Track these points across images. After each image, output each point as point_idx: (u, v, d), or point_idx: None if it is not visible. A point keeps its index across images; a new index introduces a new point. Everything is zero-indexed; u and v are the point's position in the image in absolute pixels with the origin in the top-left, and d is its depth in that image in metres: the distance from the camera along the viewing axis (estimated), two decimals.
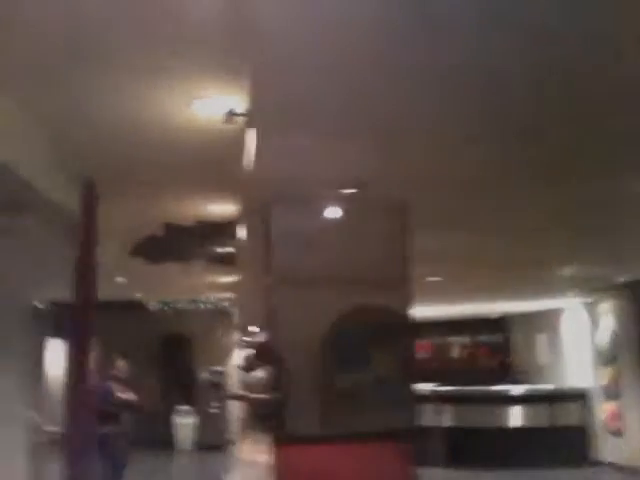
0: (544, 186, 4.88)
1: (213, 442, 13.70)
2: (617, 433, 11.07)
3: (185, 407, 14.77)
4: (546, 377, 13.55)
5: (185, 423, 14.66)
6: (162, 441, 13.78)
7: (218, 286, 11.20)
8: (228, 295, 12.62)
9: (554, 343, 13.53)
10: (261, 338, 6.88)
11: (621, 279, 10.06)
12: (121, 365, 8.52)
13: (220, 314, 14.88)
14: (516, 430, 12.04)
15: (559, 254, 8.12)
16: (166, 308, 14.46)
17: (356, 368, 8.01)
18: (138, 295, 12.86)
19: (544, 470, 10.96)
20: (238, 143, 4.04)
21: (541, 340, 14.06)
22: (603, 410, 11.58)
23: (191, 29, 2.90)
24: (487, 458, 11.15)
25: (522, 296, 12.15)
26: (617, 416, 11.08)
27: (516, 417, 12.19)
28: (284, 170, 3.93)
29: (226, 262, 8.59)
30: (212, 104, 3.61)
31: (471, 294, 11.60)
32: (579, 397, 12.20)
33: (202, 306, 14.67)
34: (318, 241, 4.88)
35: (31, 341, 4.67)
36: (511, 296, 12.17)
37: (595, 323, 11.84)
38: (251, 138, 3.56)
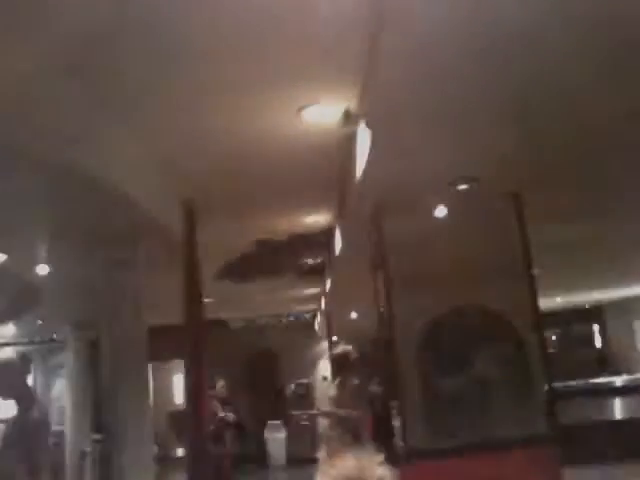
0: None
1: (305, 455, 13.60)
2: None
3: (276, 422, 14.75)
4: None
5: (277, 438, 14.62)
6: (256, 457, 13.79)
7: (302, 299, 11.14)
8: (311, 307, 12.56)
9: None
10: (339, 349, 6.73)
11: None
12: (220, 385, 8.58)
13: (303, 327, 14.82)
14: (620, 422, 11.49)
15: None
16: (250, 325, 14.52)
17: (456, 371, 7.73)
18: (222, 315, 12.93)
19: None
20: (346, 149, 3.93)
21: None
22: None
23: (299, 32, 2.80)
24: (597, 453, 10.66)
25: (620, 282, 11.63)
26: None
27: (620, 409, 11.65)
28: (397, 171, 3.78)
29: (314, 273, 8.52)
30: (320, 111, 3.52)
31: (565, 284, 11.18)
32: None
33: (284, 320, 14.68)
34: (430, 241, 4.70)
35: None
36: (609, 283, 11.66)
37: None
38: (363, 141, 3.43)
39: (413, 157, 3.67)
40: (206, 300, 9.96)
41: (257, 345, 14.86)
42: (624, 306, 14.05)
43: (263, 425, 14.56)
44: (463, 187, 4.09)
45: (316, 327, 14.53)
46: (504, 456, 4.19)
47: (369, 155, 3.44)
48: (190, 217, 5.05)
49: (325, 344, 15.33)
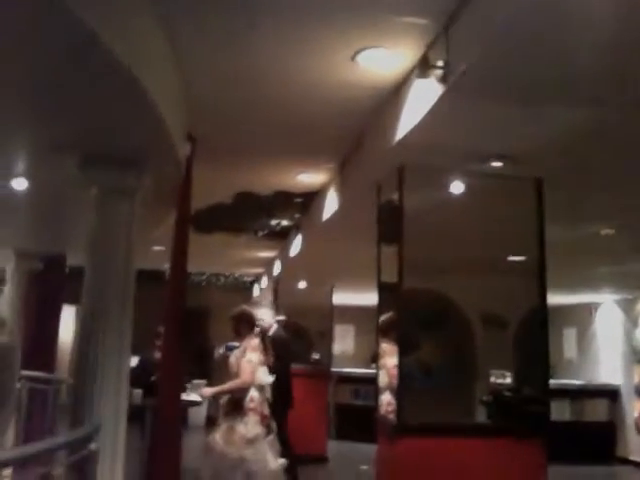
0: None
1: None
2: None
3: (201, 381, 14.40)
4: (575, 373, 13.36)
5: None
6: None
7: (253, 260, 10.81)
8: (257, 270, 12.25)
9: (584, 339, 13.33)
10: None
11: None
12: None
13: (242, 289, 14.50)
14: None
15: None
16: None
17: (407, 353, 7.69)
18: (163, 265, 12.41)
19: (569, 466, 10.76)
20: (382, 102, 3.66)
21: (569, 335, 13.85)
22: (634, 408, 11.40)
23: None
24: None
25: (553, 290, 11.85)
26: None
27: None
28: (436, 136, 3.55)
29: (276, 236, 8.22)
30: (375, 56, 3.24)
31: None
32: (609, 394, 12.01)
33: (222, 280, 14.32)
34: (444, 218, 4.53)
35: None
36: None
37: (632, 320, 11.62)
38: (425, 98, 3.18)
39: (467, 128, 3.46)
40: (158, 247, 9.54)
41: (189, 302, 14.39)
42: (556, 314, 14.47)
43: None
44: (496, 164, 3.89)
45: (255, 291, 14.23)
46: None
47: (425, 117, 3.20)
48: (191, 153, 4.67)
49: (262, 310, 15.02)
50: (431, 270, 6.46)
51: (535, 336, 5.86)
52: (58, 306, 8.54)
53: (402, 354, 4.86)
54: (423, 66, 2.84)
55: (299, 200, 6.43)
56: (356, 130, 4.33)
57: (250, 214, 6.78)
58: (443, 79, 2.82)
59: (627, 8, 2.27)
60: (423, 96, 3.18)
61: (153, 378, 7.83)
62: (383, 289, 4.79)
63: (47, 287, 8.35)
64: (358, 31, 3.07)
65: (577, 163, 4.16)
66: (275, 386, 5.91)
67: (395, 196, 4.21)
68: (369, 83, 3.52)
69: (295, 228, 7.64)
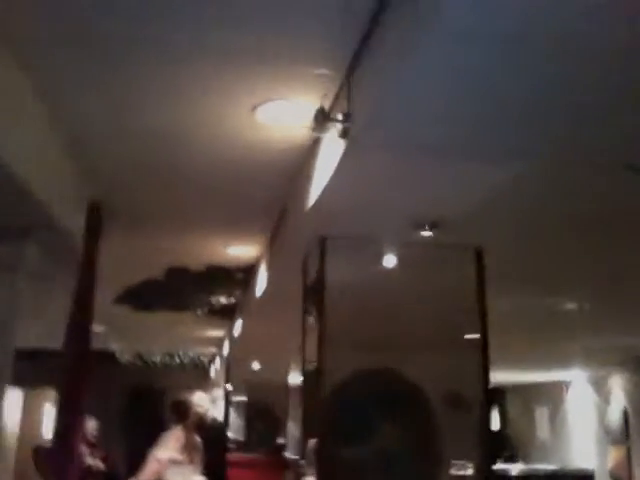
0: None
1: None
2: None
3: None
4: (548, 455, 12.69)
5: None
6: None
7: (203, 340, 10.22)
8: (210, 350, 11.63)
9: (556, 418, 12.74)
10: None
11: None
12: (91, 426, 7.56)
13: (198, 370, 13.77)
14: None
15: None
16: (139, 362, 13.34)
17: (358, 440, 7.10)
18: (113, 346, 11.74)
19: None
20: (303, 163, 3.27)
21: (541, 414, 13.25)
22: None
23: None
24: None
25: (522, 367, 11.40)
26: None
27: None
28: (357, 202, 3.15)
29: (222, 314, 7.71)
30: (277, 109, 2.87)
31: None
32: (585, 477, 11.35)
33: (178, 360, 13.61)
34: (371, 292, 4.09)
35: None
36: (510, 367, 11.39)
37: (604, 398, 11.11)
38: (330, 155, 2.79)
39: (381, 189, 3.05)
40: (98, 327, 8.95)
41: (144, 384, 13.63)
42: (526, 392, 13.94)
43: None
44: (425, 234, 3.49)
45: (212, 372, 13.52)
46: None
47: (332, 177, 2.80)
48: (96, 223, 4.23)
49: (219, 391, 14.30)
50: (372, 348, 5.98)
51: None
52: None
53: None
54: (319, 119, 2.45)
55: (240, 276, 5.99)
56: (278, 196, 3.93)
57: (185, 291, 6.30)
58: (344, 133, 2.43)
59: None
60: (330, 154, 2.79)
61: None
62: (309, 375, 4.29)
63: None
64: (258, 83, 2.71)
65: (520, 229, 3.78)
66: None
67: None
68: (276, 141, 3.14)
69: (237, 306, 7.16)
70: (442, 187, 2.95)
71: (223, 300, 6.93)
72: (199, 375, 13.82)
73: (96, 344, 10.42)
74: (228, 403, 12.52)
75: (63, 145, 3.25)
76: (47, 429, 12.29)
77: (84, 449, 7.43)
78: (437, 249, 3.79)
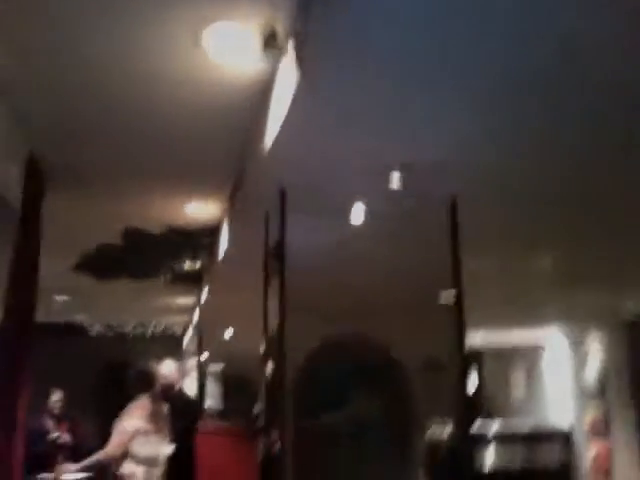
0: None
1: None
2: (606, 474, 10.21)
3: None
4: (523, 414, 12.67)
5: None
6: None
7: (174, 309, 9.90)
8: (183, 319, 11.32)
9: (532, 377, 12.70)
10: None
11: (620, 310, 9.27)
12: (56, 399, 7.31)
13: (170, 341, 13.46)
14: (491, 474, 11.01)
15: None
16: (110, 333, 12.99)
17: (331, 408, 6.93)
18: (80, 317, 11.38)
19: None
20: (260, 100, 2.93)
21: (517, 374, 13.22)
22: (589, 449, 10.72)
23: None
24: None
25: (498, 328, 11.26)
26: (606, 456, 10.22)
27: (490, 458, 11.19)
28: (319, 146, 2.82)
29: (190, 280, 7.39)
30: (225, 36, 2.51)
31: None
32: (562, 436, 11.32)
33: (149, 331, 13.29)
34: (337, 252, 3.80)
35: None
36: (486, 328, 11.25)
37: (581, 357, 11.05)
38: (284, 89, 2.46)
39: (346, 128, 2.73)
40: (60, 298, 8.59)
41: (114, 357, 13.29)
42: (503, 353, 13.88)
43: None
44: (395, 182, 3.17)
45: (184, 343, 13.22)
46: None
47: (288, 114, 2.47)
48: (36, 181, 3.86)
49: (192, 362, 14.06)
50: (341, 314, 5.73)
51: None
52: None
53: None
54: (270, 43, 2.12)
55: (204, 240, 5.66)
56: (236, 143, 3.57)
57: (146, 256, 5.95)
58: (297, 59, 2.10)
59: None
60: (285, 87, 2.45)
61: (39, 450, 6.86)
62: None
63: None
64: (203, 6, 2.35)
65: (497, 178, 3.50)
66: (174, 458, 5.08)
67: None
68: (228, 76, 2.78)
69: (204, 272, 6.83)
70: (412, 124, 2.63)
71: (188, 266, 6.60)
72: (172, 346, 13.50)
73: (59, 316, 10.16)
74: (202, 374, 12.28)
75: None
76: None
77: (48, 422, 7.19)
78: (406, 200, 3.48)
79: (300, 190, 3.34)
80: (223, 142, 3.50)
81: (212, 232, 5.25)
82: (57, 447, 7.13)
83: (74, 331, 12.20)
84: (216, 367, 13.60)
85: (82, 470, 4.94)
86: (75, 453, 7.38)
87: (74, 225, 4.91)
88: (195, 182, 4.27)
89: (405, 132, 2.71)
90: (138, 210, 4.79)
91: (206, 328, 10.40)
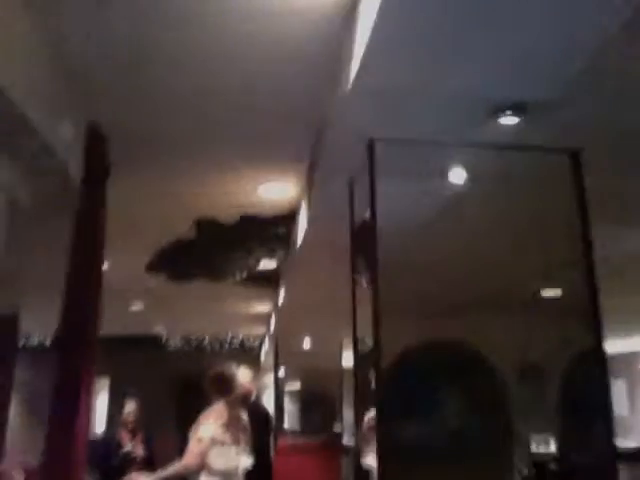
0: None
1: None
2: None
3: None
4: (627, 432, 11.61)
5: None
6: None
7: (251, 317, 9.53)
8: (259, 331, 10.96)
9: (636, 392, 11.65)
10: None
11: None
12: (130, 410, 6.98)
13: (248, 356, 13.14)
14: None
15: None
16: (187, 347, 12.79)
17: (422, 417, 6.35)
18: (157, 329, 11.20)
19: None
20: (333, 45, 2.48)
21: (618, 387, 12.15)
22: None
23: None
24: None
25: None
26: None
27: None
28: (405, 89, 2.34)
29: (266, 282, 6.99)
30: None
31: None
32: None
33: (227, 346, 12.99)
34: (434, 225, 3.29)
35: None
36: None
37: None
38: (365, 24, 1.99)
39: (442, 64, 2.24)
40: (135, 306, 8.38)
41: (192, 371, 13.04)
42: None
43: None
44: (507, 121, 2.63)
45: (262, 357, 12.85)
46: None
47: (367, 52, 2.01)
48: (99, 156, 3.52)
49: (269, 377, 13.69)
50: (435, 311, 5.17)
51: (589, 389, 4.32)
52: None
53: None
54: None
55: (279, 231, 5.24)
56: (313, 104, 3.13)
57: (220, 251, 5.58)
58: None
59: None
60: (369, 12, 1.99)
61: (114, 462, 6.57)
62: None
63: None
64: None
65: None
66: (251, 473, 4.59)
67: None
68: (305, 21, 2.35)
69: (280, 271, 6.42)
70: (526, 55, 2.11)
71: (264, 263, 6.20)
72: (249, 359, 13.16)
73: (138, 327, 9.99)
74: (280, 391, 11.88)
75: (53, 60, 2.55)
76: (99, 421, 11.91)
77: (122, 434, 6.92)
78: (517, 155, 2.94)
79: (390, 147, 2.86)
80: (297, 105, 3.07)
81: (288, 220, 4.82)
82: (131, 460, 6.81)
83: (152, 344, 12.07)
84: (293, 386, 13.16)
85: None
86: (150, 467, 7.09)
87: (143, 213, 4.60)
88: (270, 157, 3.85)
89: (517, 65, 2.19)
90: (208, 195, 4.42)
91: (282, 339, 9.99)
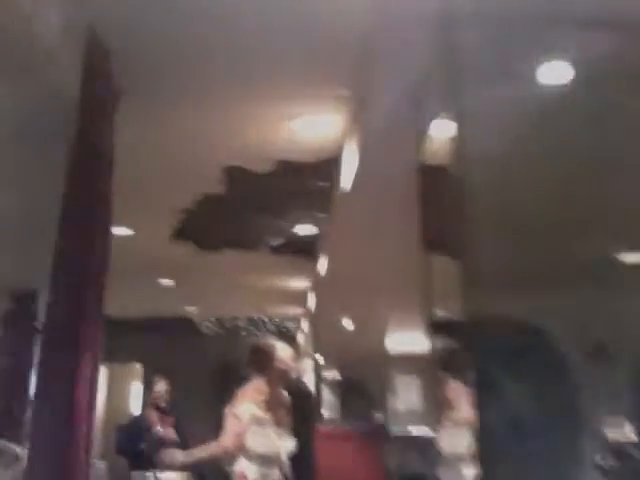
0: None
1: None
2: None
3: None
4: None
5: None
6: None
7: (286, 294, 8.87)
8: (297, 311, 10.33)
9: None
10: None
11: None
12: (161, 388, 6.56)
13: (285, 339, 12.52)
14: None
15: None
16: (221, 331, 12.26)
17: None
18: (189, 310, 10.64)
19: None
20: None
21: None
22: None
23: None
24: None
25: None
26: None
27: None
28: None
29: (302, 251, 6.32)
30: None
31: None
32: None
33: (263, 329, 12.42)
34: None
35: None
36: None
37: None
38: None
39: None
40: (165, 281, 7.79)
41: (227, 356, 12.47)
42: None
43: None
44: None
45: (300, 340, 12.22)
46: None
47: None
48: (102, 75, 2.89)
49: (307, 363, 13.08)
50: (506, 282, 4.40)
51: None
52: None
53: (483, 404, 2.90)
54: None
55: (323, 183, 4.50)
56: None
57: (250, 207, 4.92)
58: None
59: None
60: None
61: (143, 446, 6.10)
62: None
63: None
64: None
65: None
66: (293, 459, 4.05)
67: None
68: None
69: (320, 239, 5.74)
70: None
71: (302, 228, 5.54)
72: (287, 342, 12.55)
73: (169, 308, 9.48)
74: (319, 379, 11.31)
75: None
76: (134, 408, 11.47)
77: (152, 415, 6.52)
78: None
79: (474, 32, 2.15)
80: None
81: (331, 166, 4.12)
82: (161, 444, 6.36)
83: (185, 328, 11.57)
84: (332, 374, 12.56)
85: (190, 461, 4.04)
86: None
87: (159, 163, 3.97)
88: (307, 83, 3.17)
89: None
90: (238, 133, 3.75)
91: (322, 320, 9.34)
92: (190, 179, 4.36)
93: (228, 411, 3.76)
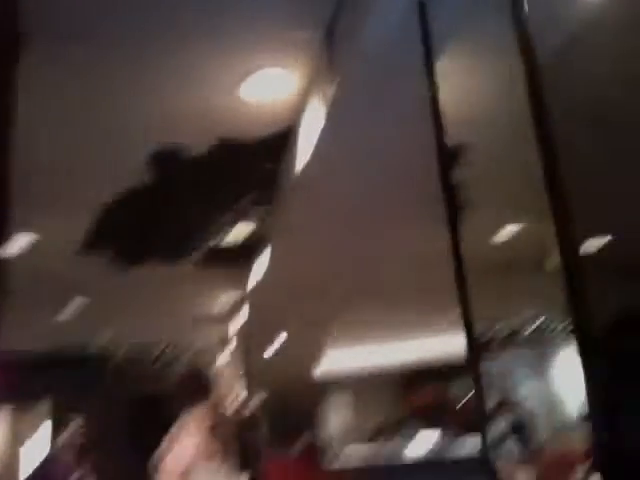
0: None
1: None
2: None
3: None
4: None
5: None
6: None
7: (213, 315, 8.04)
8: (223, 330, 9.51)
9: None
10: None
11: None
12: (76, 425, 5.74)
13: (211, 362, 11.64)
14: None
15: None
16: (139, 357, 11.26)
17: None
18: (102, 338, 9.57)
19: None
20: None
21: None
22: None
23: None
24: None
25: None
26: None
27: None
28: None
29: (234, 258, 5.57)
30: None
31: None
32: None
33: (185, 355, 11.45)
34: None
35: None
36: None
37: None
38: None
39: None
40: (80, 299, 6.76)
41: (146, 387, 11.40)
42: None
43: None
44: None
45: (228, 363, 11.31)
46: None
47: None
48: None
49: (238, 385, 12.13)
50: None
51: None
52: None
53: None
54: None
55: (271, 163, 3.74)
56: None
57: (180, 203, 4.14)
58: None
59: None
60: None
61: None
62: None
63: None
64: None
65: None
66: None
67: None
68: None
69: (261, 238, 5.03)
70: None
71: (236, 231, 4.79)
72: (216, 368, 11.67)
73: (78, 336, 8.46)
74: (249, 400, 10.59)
75: None
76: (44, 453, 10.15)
77: (69, 457, 5.73)
78: None
79: None
80: None
81: (282, 144, 3.45)
82: None
83: (98, 359, 10.51)
84: (261, 395, 11.84)
85: None
86: None
87: (69, 141, 3.18)
88: (265, 26, 2.51)
89: None
90: (170, 103, 3.02)
91: (251, 341, 8.60)
92: (111, 167, 3.56)
93: (166, 448, 3.26)
